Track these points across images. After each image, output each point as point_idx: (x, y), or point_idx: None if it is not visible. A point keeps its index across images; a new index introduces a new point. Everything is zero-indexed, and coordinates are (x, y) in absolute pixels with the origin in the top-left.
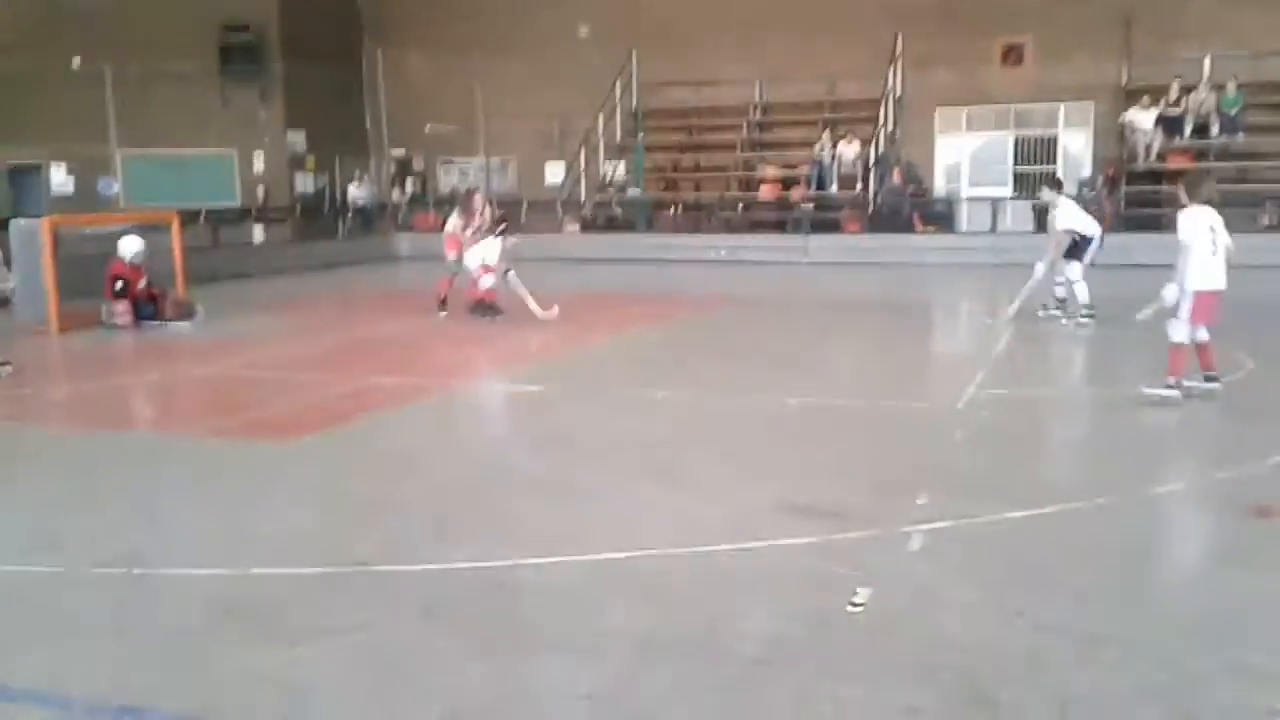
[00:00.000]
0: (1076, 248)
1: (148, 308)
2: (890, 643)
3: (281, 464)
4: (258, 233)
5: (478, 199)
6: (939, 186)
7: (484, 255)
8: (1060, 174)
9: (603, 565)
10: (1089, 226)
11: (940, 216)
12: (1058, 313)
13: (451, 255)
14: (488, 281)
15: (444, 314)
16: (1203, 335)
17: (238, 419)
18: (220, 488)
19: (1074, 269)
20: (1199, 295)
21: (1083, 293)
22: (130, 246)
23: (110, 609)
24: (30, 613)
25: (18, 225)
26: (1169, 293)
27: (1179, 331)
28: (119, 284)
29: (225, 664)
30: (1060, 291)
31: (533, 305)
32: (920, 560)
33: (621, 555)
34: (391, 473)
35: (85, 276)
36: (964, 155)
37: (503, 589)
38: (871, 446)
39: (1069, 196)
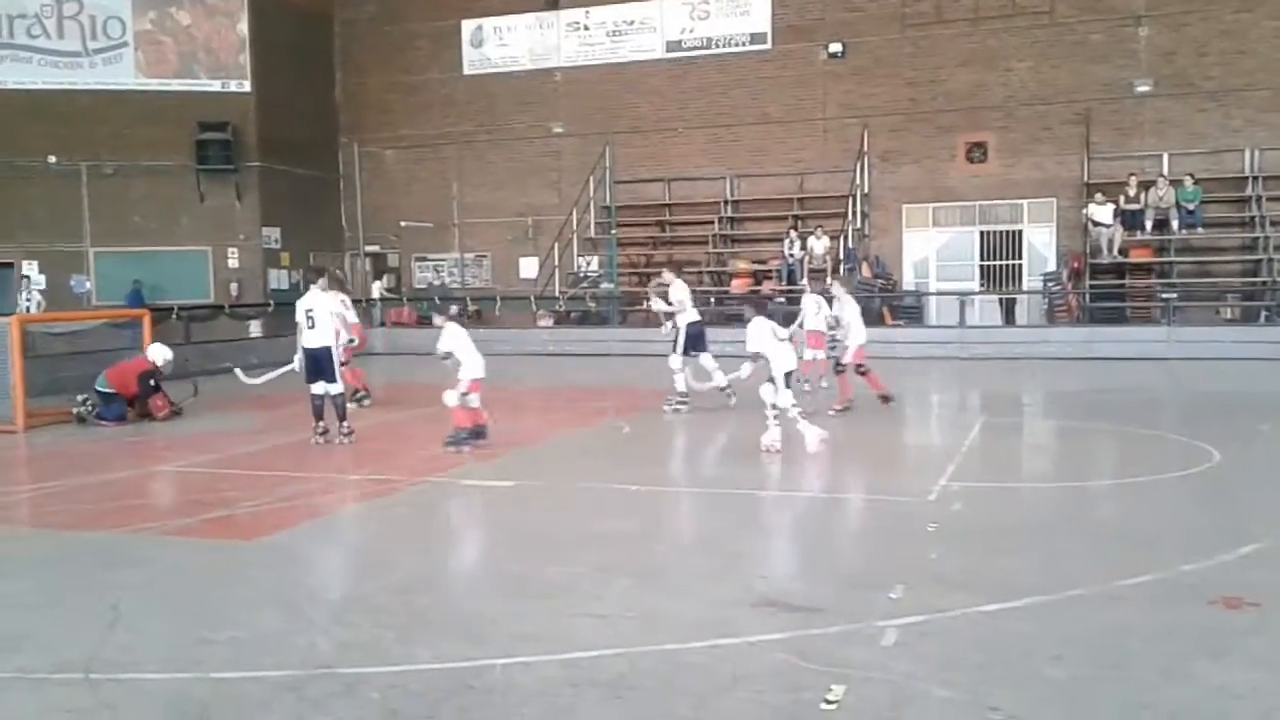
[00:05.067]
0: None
1: (120, 407)
2: None
3: (246, 563)
4: (255, 327)
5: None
6: (907, 281)
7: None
8: (1025, 266)
9: (572, 664)
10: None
11: (909, 310)
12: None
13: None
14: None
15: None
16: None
17: (203, 517)
18: (182, 588)
19: (674, 360)
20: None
21: (680, 382)
22: (161, 354)
23: (67, 715)
24: None
25: None
26: (745, 369)
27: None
28: (152, 381)
29: None
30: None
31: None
32: (894, 656)
33: (592, 654)
34: (358, 571)
35: (54, 374)
36: (931, 250)
37: (471, 689)
38: (844, 539)
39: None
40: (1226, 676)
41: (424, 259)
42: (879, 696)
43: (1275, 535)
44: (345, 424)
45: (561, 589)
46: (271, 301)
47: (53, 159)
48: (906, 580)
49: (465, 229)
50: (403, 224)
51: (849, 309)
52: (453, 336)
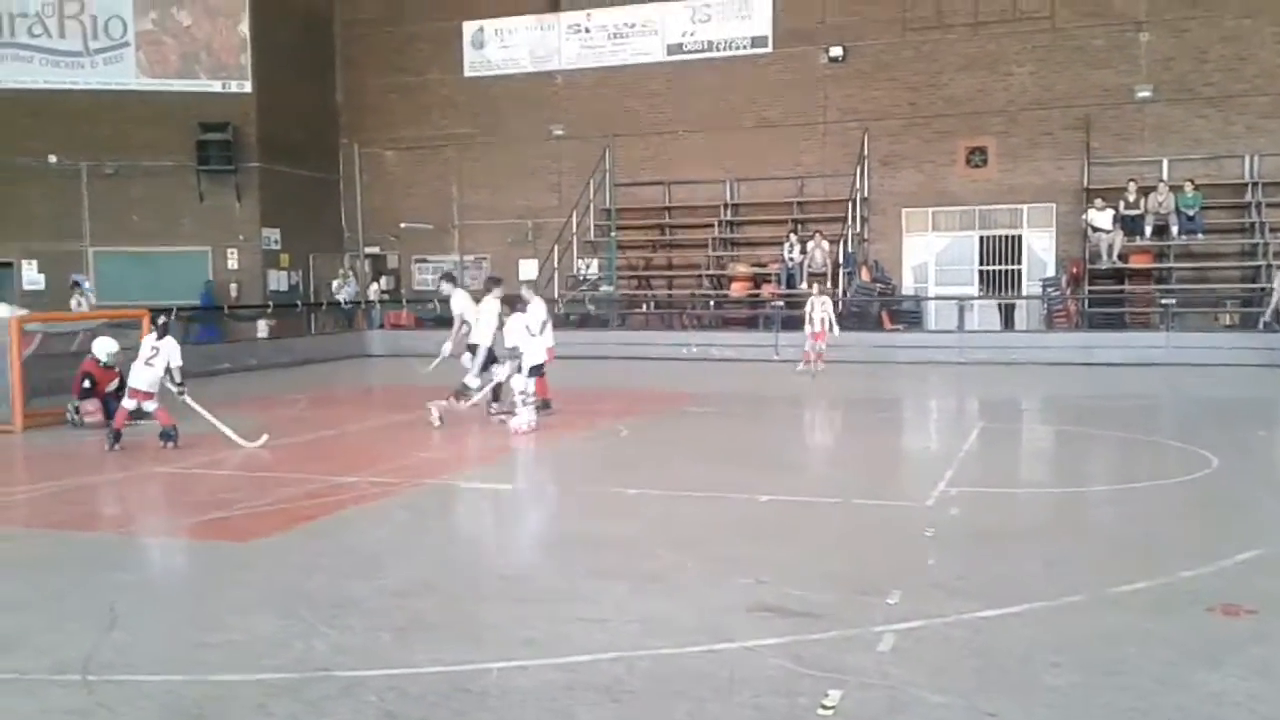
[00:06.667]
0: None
1: (115, 406)
2: None
3: (243, 564)
4: (262, 327)
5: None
6: (907, 285)
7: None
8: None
9: (570, 668)
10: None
11: (908, 315)
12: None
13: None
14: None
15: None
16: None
17: (200, 519)
18: (178, 590)
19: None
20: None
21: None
22: (104, 348)
23: (65, 717)
24: None
25: None
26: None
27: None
28: (86, 383)
29: None
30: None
31: (230, 433)
32: (891, 661)
33: (589, 658)
34: (356, 573)
35: (53, 375)
36: (931, 255)
37: (468, 693)
38: (841, 544)
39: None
40: (1224, 684)
41: (424, 260)
42: (876, 702)
43: (1273, 542)
44: (495, 405)
45: (559, 593)
46: (270, 303)
47: (53, 158)
48: (904, 585)
49: (465, 231)
50: (402, 225)
51: (536, 314)
52: (461, 300)
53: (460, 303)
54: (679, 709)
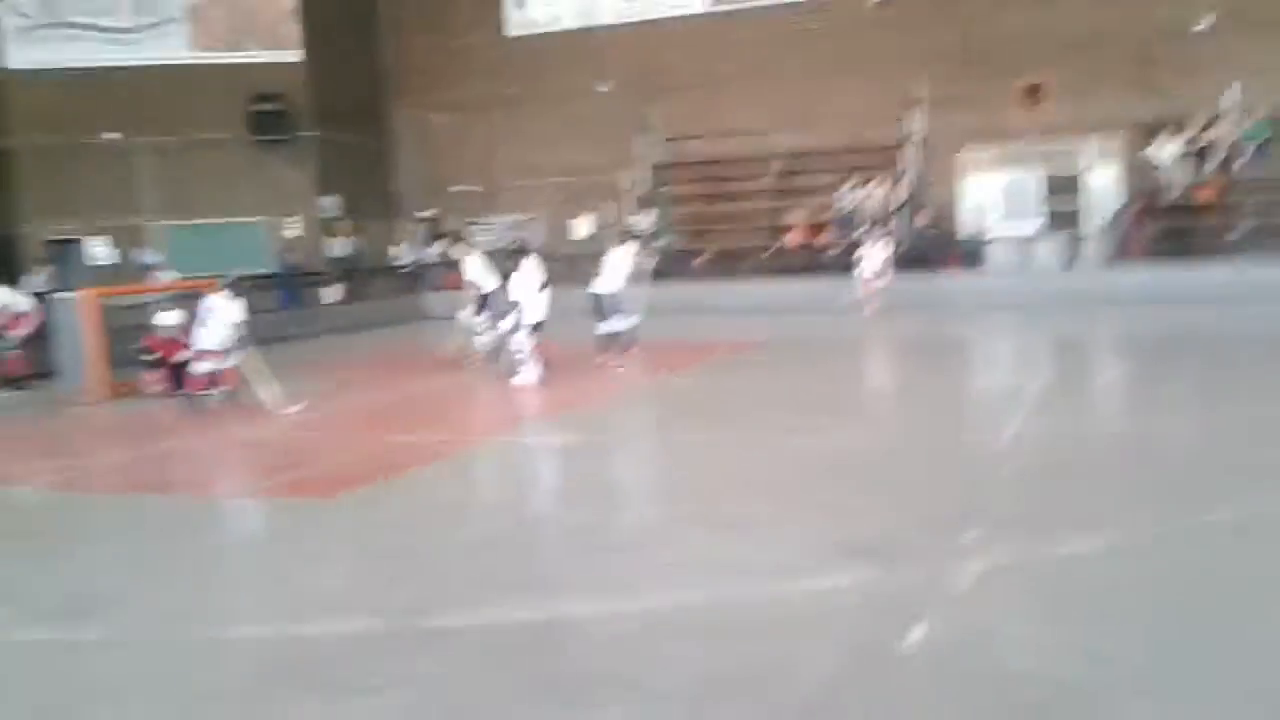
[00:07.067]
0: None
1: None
2: (948, 682)
3: (326, 521)
4: (328, 293)
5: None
6: (965, 227)
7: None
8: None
9: (655, 612)
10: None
11: (968, 257)
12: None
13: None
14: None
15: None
16: None
17: (281, 478)
18: (266, 546)
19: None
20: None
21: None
22: (165, 319)
23: (166, 670)
24: (88, 675)
25: (59, 299)
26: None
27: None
28: (152, 355)
29: None
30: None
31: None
32: (973, 598)
33: (673, 602)
34: (437, 526)
35: (125, 346)
36: (990, 195)
37: (554, 640)
38: (918, 484)
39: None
40: None
41: (474, 222)
42: (959, 639)
43: None
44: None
45: (638, 540)
46: (330, 269)
47: (111, 135)
48: (982, 523)
49: (514, 192)
50: (452, 189)
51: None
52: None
53: (474, 267)
54: (765, 650)
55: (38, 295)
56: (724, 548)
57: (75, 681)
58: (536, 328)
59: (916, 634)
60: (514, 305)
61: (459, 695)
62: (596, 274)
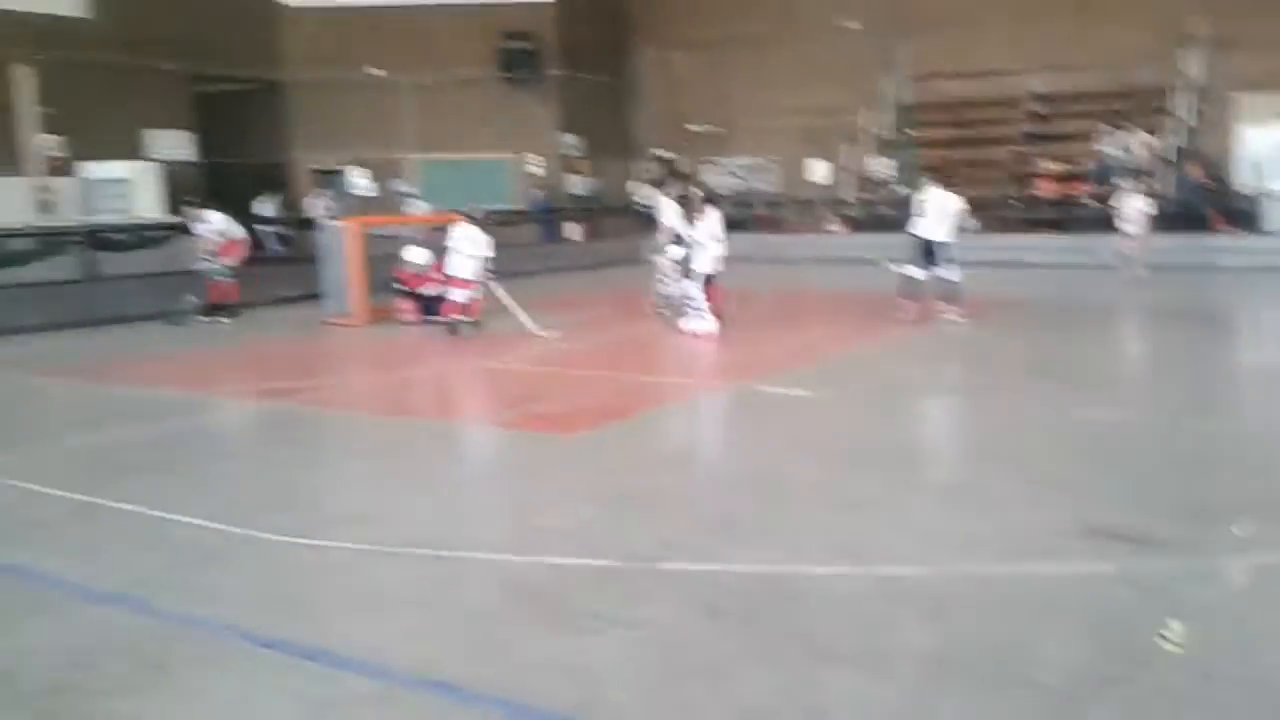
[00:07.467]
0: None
1: (435, 306)
2: (1212, 686)
3: (563, 456)
4: (572, 231)
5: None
6: (1243, 182)
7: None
8: None
9: (887, 580)
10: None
11: (1243, 216)
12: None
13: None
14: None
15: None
16: None
17: (520, 411)
18: (509, 476)
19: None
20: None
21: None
22: (410, 255)
23: (418, 586)
24: (349, 583)
25: (328, 227)
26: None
27: None
28: (402, 286)
29: (523, 647)
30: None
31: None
32: (1243, 596)
33: (906, 570)
34: (668, 470)
35: (379, 274)
36: (1273, 147)
37: (786, 595)
38: (1174, 466)
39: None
40: None
41: (712, 162)
42: (1225, 640)
43: None
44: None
45: (870, 502)
46: (573, 206)
47: (376, 71)
48: (1257, 513)
49: (753, 132)
50: (690, 128)
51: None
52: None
53: (669, 212)
54: (1003, 628)
55: (300, 220)
56: (961, 519)
57: (342, 587)
58: (710, 279)
59: (1177, 632)
60: (692, 251)
61: (689, 643)
62: (919, 216)
